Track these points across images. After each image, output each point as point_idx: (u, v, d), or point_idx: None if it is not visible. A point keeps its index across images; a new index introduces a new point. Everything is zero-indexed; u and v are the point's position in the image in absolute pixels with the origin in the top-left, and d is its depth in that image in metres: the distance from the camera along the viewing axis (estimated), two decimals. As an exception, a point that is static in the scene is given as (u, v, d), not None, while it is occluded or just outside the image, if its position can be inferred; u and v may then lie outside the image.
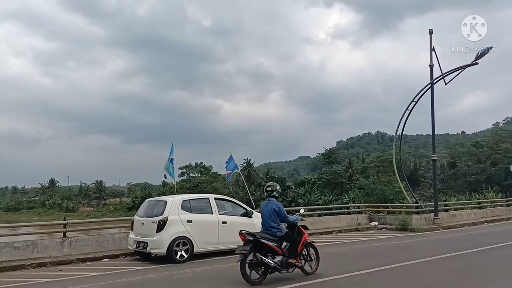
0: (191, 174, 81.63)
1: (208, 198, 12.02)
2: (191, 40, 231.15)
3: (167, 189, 68.63)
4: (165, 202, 11.29)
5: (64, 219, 12.76)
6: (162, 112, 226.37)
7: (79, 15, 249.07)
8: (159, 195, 66.71)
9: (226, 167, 17.51)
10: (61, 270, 10.04)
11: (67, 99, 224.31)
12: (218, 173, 79.25)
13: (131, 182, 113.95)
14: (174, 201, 11.28)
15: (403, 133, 21.87)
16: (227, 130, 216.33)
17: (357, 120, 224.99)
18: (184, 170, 79.93)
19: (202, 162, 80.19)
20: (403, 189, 23.89)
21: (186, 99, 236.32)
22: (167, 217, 10.82)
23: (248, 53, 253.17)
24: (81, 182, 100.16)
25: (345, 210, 23.24)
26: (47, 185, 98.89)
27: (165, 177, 73.41)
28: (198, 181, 68.00)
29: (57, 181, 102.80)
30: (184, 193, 55.67)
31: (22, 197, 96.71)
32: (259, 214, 13.15)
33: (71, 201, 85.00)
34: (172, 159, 15.06)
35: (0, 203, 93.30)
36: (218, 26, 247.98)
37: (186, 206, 11.33)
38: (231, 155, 17.29)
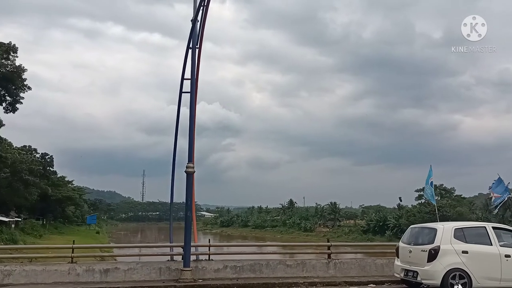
0: (430, 197, 75.80)
1: (485, 226, 10.63)
2: (421, 55, 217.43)
3: (403, 213, 65.60)
4: (435, 230, 10.44)
5: (328, 241, 13.28)
6: (392, 132, 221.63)
7: (309, 48, 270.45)
8: (395, 219, 64.37)
9: (492, 189, 15.39)
10: (332, 292, 10.34)
11: (300, 126, 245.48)
12: (462, 196, 71.21)
13: (363, 204, 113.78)
14: (445, 229, 10.33)
15: None
16: (468, 147, 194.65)
17: None
18: (421, 193, 74.87)
19: (442, 184, 73.14)
20: None
21: (418, 117, 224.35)
22: (439, 246, 9.97)
23: (491, 60, 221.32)
24: (316, 203, 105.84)
25: None
26: (286, 205, 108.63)
27: (400, 200, 70.42)
28: (439, 204, 62.51)
29: (295, 202, 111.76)
30: (423, 217, 51.98)
31: (266, 216, 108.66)
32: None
33: (308, 221, 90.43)
34: (431, 182, 14.12)
35: (249, 221, 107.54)
36: (451, 36, 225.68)
37: (459, 235, 10.23)
38: (499, 177, 15.10)
